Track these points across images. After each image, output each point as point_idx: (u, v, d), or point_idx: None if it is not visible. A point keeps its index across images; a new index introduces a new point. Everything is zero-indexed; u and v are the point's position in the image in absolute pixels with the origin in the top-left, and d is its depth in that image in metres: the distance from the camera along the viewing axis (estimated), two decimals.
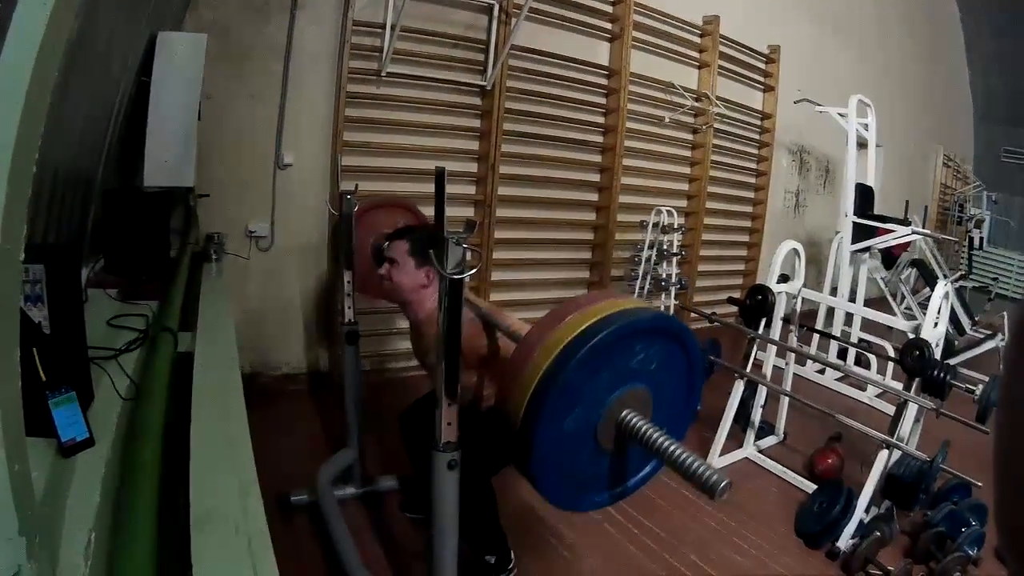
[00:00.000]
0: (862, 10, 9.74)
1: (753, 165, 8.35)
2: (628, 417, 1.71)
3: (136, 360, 2.12)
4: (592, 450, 1.76)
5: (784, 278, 4.73)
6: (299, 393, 5.07)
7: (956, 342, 7.38)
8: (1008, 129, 13.67)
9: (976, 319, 8.26)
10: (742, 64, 7.79)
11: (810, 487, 4.15)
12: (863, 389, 5.98)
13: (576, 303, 1.73)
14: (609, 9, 6.28)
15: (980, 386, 3.65)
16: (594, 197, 6.56)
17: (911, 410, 3.87)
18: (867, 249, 6.39)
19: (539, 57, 5.86)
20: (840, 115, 6.47)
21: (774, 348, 4.70)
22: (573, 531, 3.63)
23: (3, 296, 0.97)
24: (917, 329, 4.29)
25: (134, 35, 3.25)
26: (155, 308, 2.69)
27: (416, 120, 5.31)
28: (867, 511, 3.76)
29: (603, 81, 6.39)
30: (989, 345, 7.66)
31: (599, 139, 6.47)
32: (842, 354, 6.53)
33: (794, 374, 5.02)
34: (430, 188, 2.04)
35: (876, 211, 6.69)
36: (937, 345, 4.04)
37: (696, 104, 7.07)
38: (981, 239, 11.31)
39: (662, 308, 5.59)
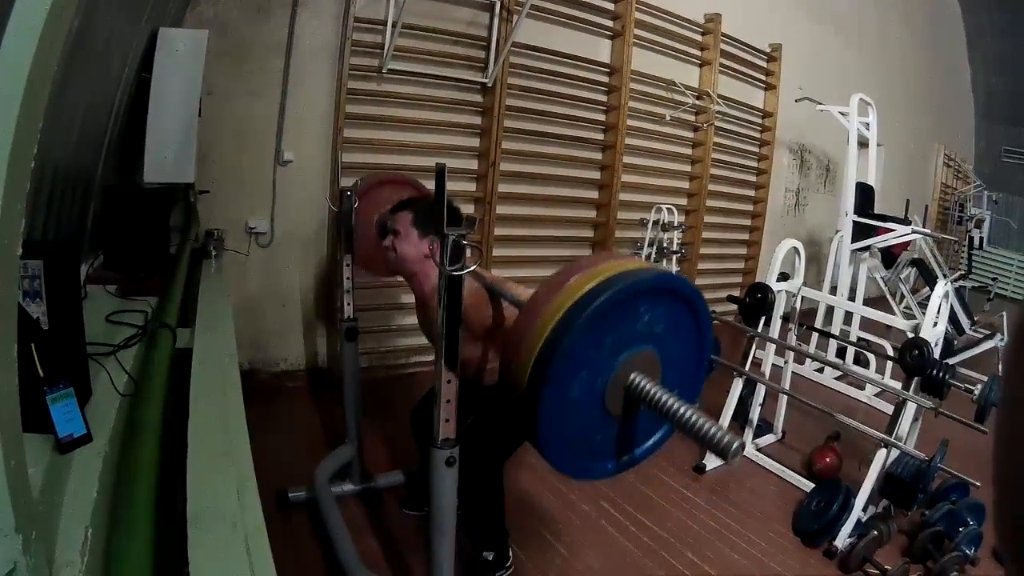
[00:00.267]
0: (864, 9, 9.74)
1: (754, 163, 8.34)
2: (636, 380, 1.68)
3: (134, 356, 2.12)
4: (600, 415, 1.74)
5: (784, 276, 4.73)
6: (298, 389, 5.08)
7: (955, 342, 7.38)
8: (1009, 129, 13.66)
9: (975, 319, 8.27)
10: (743, 62, 7.79)
11: (808, 486, 4.16)
12: (862, 388, 5.99)
13: (578, 265, 1.69)
14: (611, 7, 6.27)
15: (979, 386, 3.65)
16: (594, 195, 6.55)
17: (910, 409, 3.88)
18: (867, 248, 6.39)
19: (540, 54, 5.85)
20: (841, 114, 6.47)
21: (773, 346, 4.70)
22: (570, 529, 3.64)
23: (1, 292, 0.97)
24: (916, 328, 4.29)
25: (134, 31, 3.25)
26: (154, 304, 2.68)
27: (417, 117, 5.31)
28: (865, 510, 3.76)
29: (604, 79, 6.38)
30: (988, 345, 7.66)
31: (600, 137, 6.47)
32: (841, 353, 6.53)
33: (793, 372, 5.02)
34: (430, 184, 2.05)
35: (876, 210, 6.69)
36: (936, 344, 4.04)
37: (697, 102, 7.07)
38: (981, 239, 11.31)
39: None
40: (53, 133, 2.44)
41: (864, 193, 6.52)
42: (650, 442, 1.95)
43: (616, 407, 1.73)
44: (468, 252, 1.94)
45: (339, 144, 4.90)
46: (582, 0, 6.06)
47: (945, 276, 7.34)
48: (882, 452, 3.78)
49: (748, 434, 4.67)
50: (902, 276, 7.55)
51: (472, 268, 1.98)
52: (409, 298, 5.33)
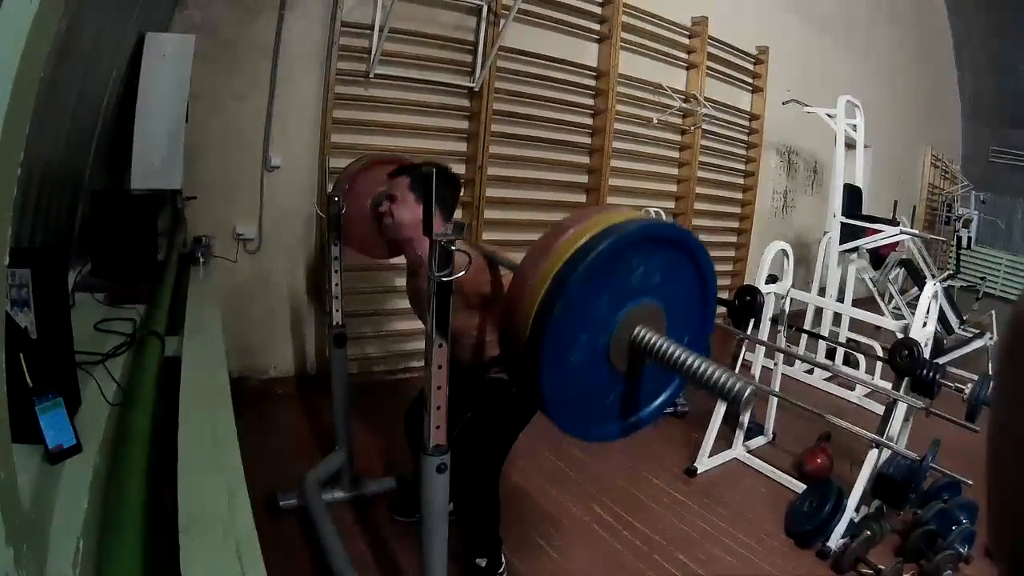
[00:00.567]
0: (851, 11, 9.77)
1: (741, 166, 8.36)
2: (641, 334, 1.65)
3: (123, 364, 2.11)
4: (606, 376, 1.71)
5: (772, 279, 4.74)
6: (287, 396, 5.06)
7: (945, 341, 7.40)
8: (996, 129, 13.73)
9: (964, 318, 8.29)
10: (730, 65, 7.80)
11: (800, 487, 4.16)
12: (852, 389, 6.00)
13: (561, 227, 1.66)
14: (597, 10, 6.28)
15: (969, 385, 3.65)
16: (582, 198, 6.54)
17: (900, 409, 3.88)
18: (855, 249, 6.42)
19: (527, 58, 5.85)
20: (828, 116, 6.50)
21: (763, 348, 4.71)
22: (561, 532, 3.63)
23: None
24: (906, 329, 4.30)
25: (122, 35, 3.24)
26: (142, 312, 2.67)
27: (404, 122, 5.30)
28: (857, 510, 3.77)
29: (591, 82, 6.38)
30: (977, 344, 7.69)
31: (587, 140, 6.46)
32: (831, 354, 6.55)
33: (783, 374, 5.03)
34: None
35: (864, 211, 6.72)
36: (926, 345, 4.05)
37: (684, 105, 7.07)
38: (969, 239, 11.35)
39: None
40: (40, 138, 2.42)
41: (852, 194, 6.54)
42: (656, 403, 1.89)
43: (622, 364, 1.70)
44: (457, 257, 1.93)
45: (327, 149, 4.88)
46: (569, 4, 6.06)
47: (934, 276, 7.38)
48: (873, 452, 3.79)
49: (739, 436, 4.68)
50: (891, 277, 7.57)
51: (461, 272, 1.96)
52: (397, 304, 5.35)
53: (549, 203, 6.26)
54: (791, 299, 4.78)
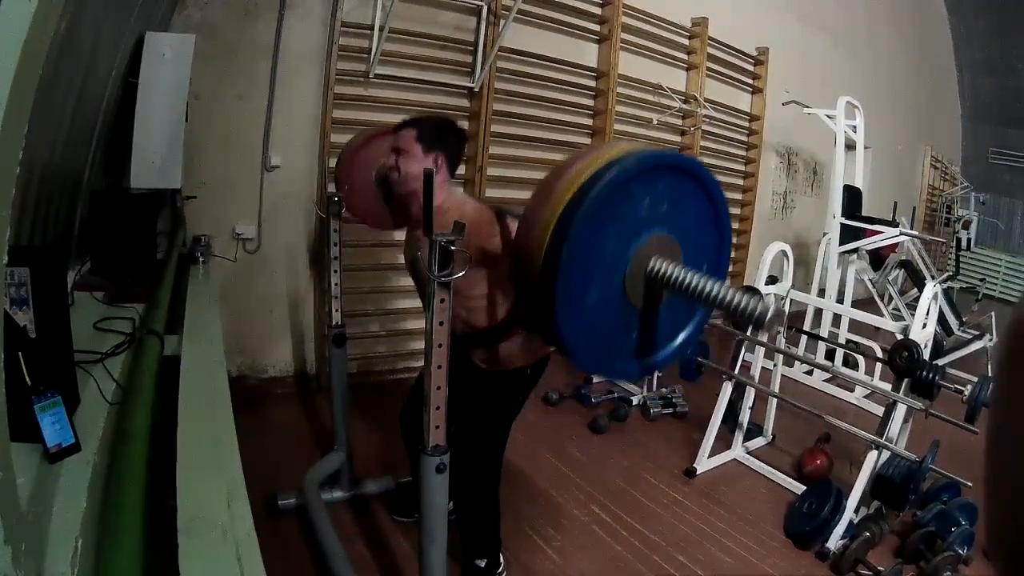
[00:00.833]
0: (851, 12, 9.77)
1: (741, 167, 8.35)
2: (656, 265, 1.63)
3: (122, 364, 2.10)
4: (623, 313, 1.69)
5: (772, 280, 4.75)
6: (286, 396, 5.06)
7: (944, 343, 7.40)
8: (996, 130, 13.73)
9: (964, 320, 8.30)
10: (731, 66, 7.80)
11: (799, 488, 4.16)
12: (851, 390, 6.01)
13: (560, 170, 1.67)
14: (598, 11, 6.27)
15: (969, 386, 3.65)
16: None
17: (900, 410, 3.88)
18: (855, 250, 6.41)
19: (527, 59, 5.84)
20: (828, 117, 6.50)
21: (762, 349, 4.71)
22: (561, 533, 3.63)
23: None
24: (905, 330, 4.30)
25: (121, 35, 3.24)
26: (141, 311, 2.67)
27: None
28: (856, 511, 3.77)
29: (591, 83, 6.38)
30: (977, 346, 7.69)
31: (587, 141, 6.45)
32: (830, 355, 6.54)
33: (782, 375, 5.03)
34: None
35: (864, 212, 6.71)
36: (925, 346, 4.04)
37: (684, 106, 7.07)
38: (969, 240, 11.33)
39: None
40: (39, 138, 2.42)
41: (851, 195, 6.54)
42: (675, 344, 1.88)
43: (639, 300, 1.69)
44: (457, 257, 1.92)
45: (326, 149, 4.87)
46: (569, 4, 6.05)
47: (933, 277, 7.39)
48: (873, 453, 3.79)
49: (738, 437, 4.68)
50: (890, 278, 7.58)
51: (461, 272, 1.95)
52: (397, 304, 5.35)
53: None
54: (791, 300, 4.78)
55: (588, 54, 6.34)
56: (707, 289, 1.55)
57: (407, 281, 5.19)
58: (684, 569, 3.45)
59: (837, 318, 6.40)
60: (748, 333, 4.36)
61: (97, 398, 1.78)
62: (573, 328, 1.60)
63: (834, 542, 3.62)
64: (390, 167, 2.78)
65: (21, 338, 1.50)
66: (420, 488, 2.14)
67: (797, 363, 6.05)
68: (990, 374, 4.20)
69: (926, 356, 3.90)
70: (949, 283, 9.02)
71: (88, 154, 3.24)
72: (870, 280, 7.13)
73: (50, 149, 2.59)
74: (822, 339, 5.79)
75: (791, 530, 3.81)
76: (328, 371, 3.94)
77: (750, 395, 4.63)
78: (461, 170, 5.60)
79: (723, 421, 4.53)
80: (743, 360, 4.59)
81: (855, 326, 6.32)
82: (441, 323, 1.94)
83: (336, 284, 3.50)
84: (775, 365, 4.92)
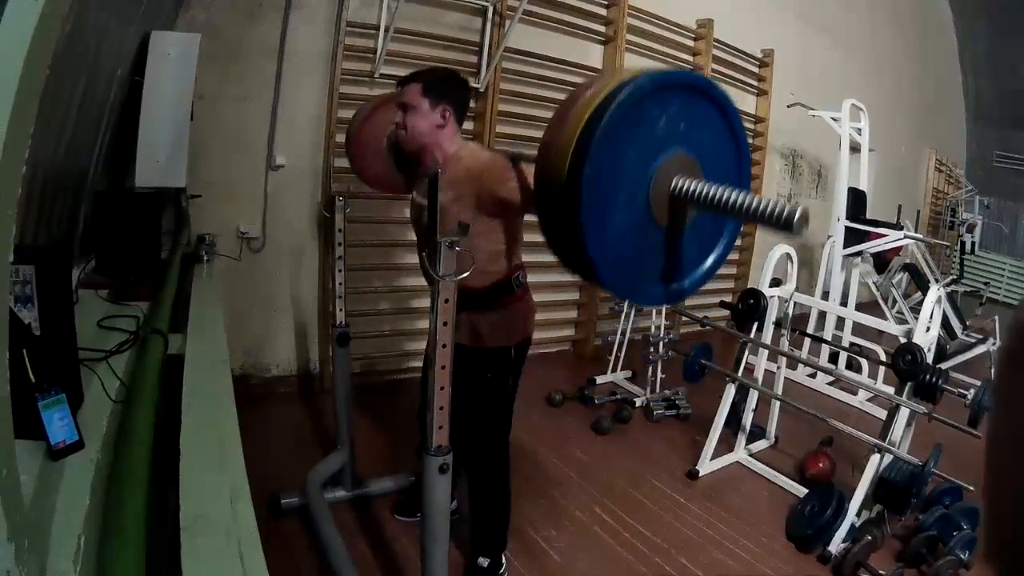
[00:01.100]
0: (855, 14, 9.76)
1: None
2: (680, 182, 1.62)
3: (126, 362, 2.11)
4: (650, 233, 1.69)
5: (776, 282, 4.74)
6: (289, 395, 5.06)
7: (948, 346, 7.39)
8: (1000, 132, 13.70)
9: (967, 323, 8.29)
10: (735, 68, 7.78)
11: (801, 491, 4.16)
12: (854, 393, 6.00)
13: (575, 95, 1.65)
14: (603, 12, 6.27)
15: (972, 390, 3.66)
16: None
17: (903, 414, 3.88)
18: (859, 253, 6.41)
19: (532, 60, 5.84)
20: (833, 119, 6.49)
21: (766, 352, 4.70)
22: (562, 534, 3.63)
23: None
24: (909, 333, 4.30)
25: (126, 35, 3.24)
26: (146, 309, 2.68)
27: None
28: (858, 515, 3.77)
29: None
30: (981, 349, 7.68)
31: None
32: (834, 358, 6.53)
33: (785, 378, 5.03)
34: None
35: (868, 215, 6.71)
36: (929, 349, 4.04)
37: None
38: (973, 243, 11.31)
39: (654, 311, 5.60)
40: (44, 137, 2.43)
41: (856, 198, 6.54)
42: (703, 268, 1.87)
43: (664, 219, 1.68)
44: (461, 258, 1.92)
45: (331, 149, 4.88)
46: (574, 5, 6.05)
47: (937, 281, 7.38)
48: (875, 457, 3.78)
49: (741, 439, 4.67)
50: (894, 281, 7.57)
51: (465, 273, 1.95)
52: (401, 304, 5.36)
53: None
54: (795, 303, 4.78)
55: (593, 55, 6.34)
56: (731, 198, 1.54)
57: (411, 281, 5.23)
58: (685, 571, 3.44)
59: (841, 321, 6.40)
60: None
61: (101, 396, 1.79)
62: (601, 249, 1.59)
63: (836, 545, 3.62)
64: (398, 124, 2.77)
65: (26, 336, 1.51)
66: (422, 488, 2.14)
67: (800, 366, 6.05)
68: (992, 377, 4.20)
69: (929, 360, 3.90)
70: (953, 286, 9.01)
71: (93, 153, 3.25)
72: (874, 283, 7.13)
73: (55, 148, 2.60)
74: (825, 342, 5.79)
75: (793, 533, 3.81)
76: (331, 370, 3.94)
77: (753, 397, 4.62)
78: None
79: (726, 423, 4.53)
80: (746, 362, 4.58)
81: (859, 329, 6.31)
82: (445, 323, 1.95)
83: (340, 284, 3.50)
84: (778, 368, 4.92)
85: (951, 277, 9.61)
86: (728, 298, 6.41)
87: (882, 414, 4.23)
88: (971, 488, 3.54)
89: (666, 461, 4.57)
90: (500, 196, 2.53)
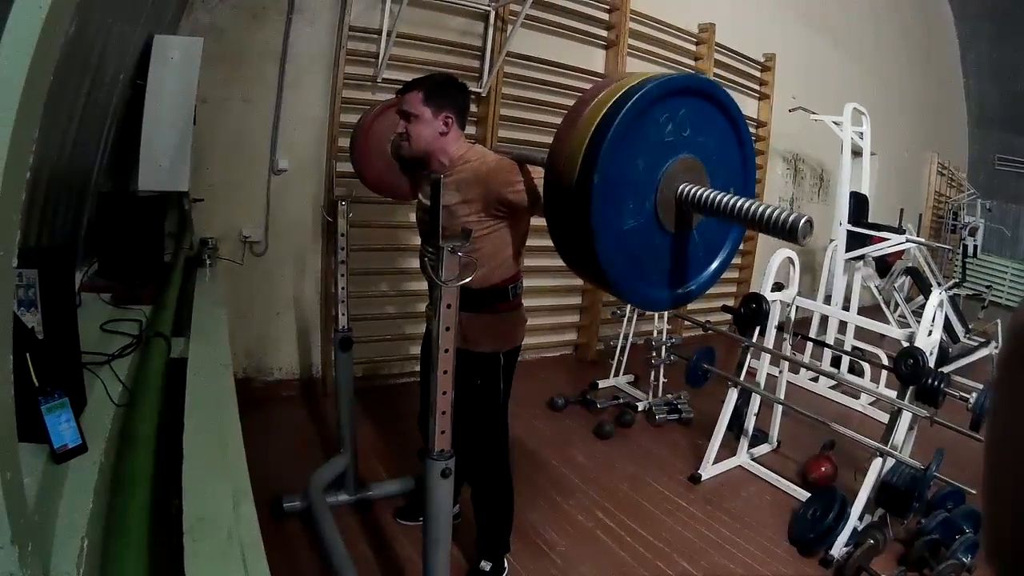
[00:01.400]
0: (857, 18, 9.76)
1: None
2: (686, 189, 1.63)
3: (129, 365, 2.11)
4: (656, 237, 1.69)
5: (778, 286, 4.74)
6: (292, 399, 5.06)
7: (950, 350, 7.38)
8: (1002, 136, 13.71)
9: (970, 327, 8.28)
10: (737, 72, 7.79)
11: (803, 495, 4.16)
12: (857, 397, 6.00)
13: (585, 100, 1.66)
14: (605, 16, 6.27)
15: (974, 394, 3.66)
16: None
17: (905, 418, 3.88)
18: (861, 257, 6.40)
19: (535, 64, 5.85)
20: (835, 123, 6.49)
21: (768, 356, 4.70)
22: (564, 538, 3.63)
23: None
24: (911, 337, 4.30)
25: (129, 38, 3.24)
26: (148, 313, 2.67)
27: None
28: (861, 519, 3.77)
29: None
30: (983, 353, 7.67)
31: None
32: (836, 362, 6.52)
33: (788, 382, 5.02)
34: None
35: (870, 219, 6.72)
36: (931, 353, 4.04)
37: None
38: (975, 247, 11.31)
39: (657, 315, 5.60)
40: (47, 140, 2.43)
41: (858, 202, 6.55)
42: (708, 272, 1.87)
43: (671, 225, 1.69)
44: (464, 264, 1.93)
45: (333, 153, 4.88)
46: (577, 10, 6.06)
47: (940, 285, 7.38)
48: (878, 461, 3.78)
49: (743, 443, 4.67)
50: (896, 285, 7.56)
51: (467, 279, 1.96)
52: (404, 308, 5.36)
53: None
54: (797, 307, 4.78)
55: (596, 59, 6.35)
56: (736, 205, 1.55)
57: (413, 285, 5.23)
58: (687, 575, 3.44)
59: (843, 325, 6.39)
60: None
61: (104, 399, 1.79)
62: (610, 253, 1.60)
63: (838, 549, 3.62)
64: (400, 134, 2.77)
65: (29, 339, 1.51)
66: (425, 491, 2.14)
67: (803, 370, 6.05)
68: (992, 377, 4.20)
69: (931, 363, 3.89)
70: (955, 290, 9.00)
71: (96, 156, 3.26)
72: (876, 287, 7.13)
73: (58, 151, 2.61)
74: (828, 346, 5.78)
75: (795, 537, 3.81)
76: (334, 374, 3.94)
77: (755, 402, 4.62)
78: None
79: (728, 427, 4.53)
80: (748, 366, 4.58)
81: (861, 333, 6.30)
82: (448, 328, 1.95)
83: (343, 288, 3.50)
84: (780, 372, 4.92)
85: (953, 281, 9.60)
86: (730, 302, 6.40)
87: (884, 418, 4.23)
88: (973, 492, 3.54)
89: (668, 465, 4.57)
90: (507, 198, 2.54)
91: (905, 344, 4.13)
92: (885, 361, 5.36)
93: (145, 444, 1.56)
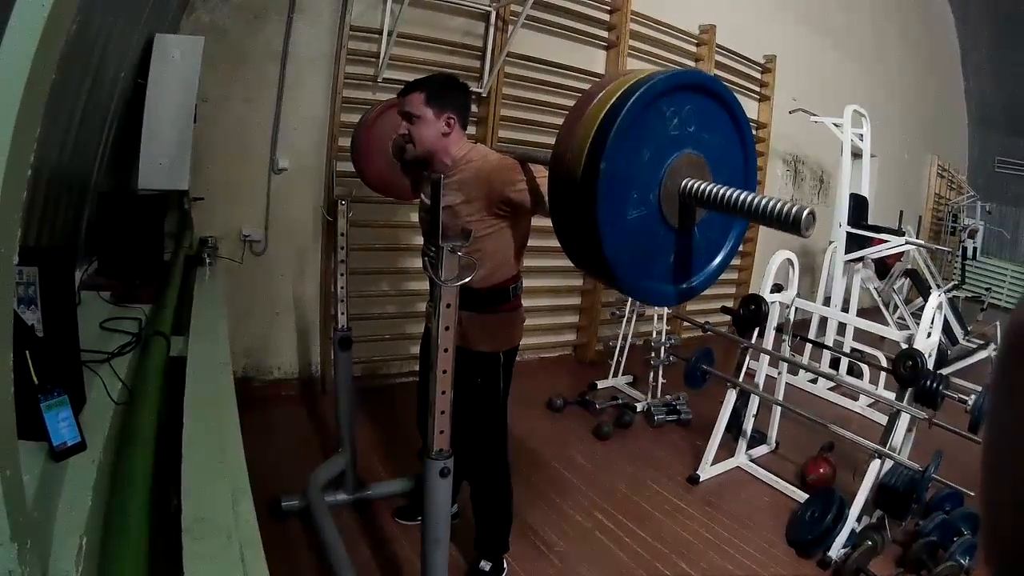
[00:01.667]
0: (858, 20, 9.76)
1: None
2: (690, 184, 1.63)
3: (129, 364, 2.11)
4: (660, 232, 1.69)
5: (777, 288, 4.74)
6: (291, 398, 5.06)
7: (949, 352, 7.39)
8: (1002, 138, 13.71)
9: (969, 329, 8.29)
10: (738, 73, 7.78)
11: (802, 496, 4.16)
12: (855, 399, 6.00)
13: (591, 92, 1.65)
14: (606, 17, 6.27)
15: (973, 396, 3.66)
16: None
17: (903, 420, 3.88)
18: (861, 259, 6.40)
19: (535, 64, 5.85)
20: (835, 125, 6.49)
21: (767, 357, 4.71)
22: (563, 539, 3.63)
23: None
24: (910, 339, 4.30)
25: (130, 37, 3.24)
26: (148, 312, 2.68)
27: None
28: (859, 520, 3.77)
29: None
30: (982, 355, 7.68)
31: None
32: (835, 364, 6.53)
33: (786, 383, 5.03)
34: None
35: (870, 221, 6.71)
36: (930, 355, 4.04)
37: None
38: (975, 249, 11.30)
39: (656, 316, 5.60)
40: (48, 139, 2.43)
41: (858, 204, 6.54)
42: (711, 267, 1.87)
43: (674, 220, 1.69)
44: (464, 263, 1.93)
45: (334, 153, 4.89)
46: (577, 11, 6.06)
47: (939, 287, 7.38)
48: (876, 463, 3.78)
49: (742, 445, 4.67)
50: (896, 287, 7.57)
51: (467, 278, 1.96)
52: (403, 308, 5.36)
53: None
54: (796, 308, 4.78)
55: (596, 60, 6.35)
56: (740, 199, 1.55)
57: (413, 285, 5.23)
58: None
59: (842, 327, 6.39)
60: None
61: (103, 398, 1.79)
62: (615, 247, 1.59)
63: (836, 551, 3.62)
64: (404, 136, 2.78)
65: (29, 337, 1.51)
66: (424, 491, 2.14)
67: (801, 371, 6.05)
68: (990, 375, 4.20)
69: (930, 366, 3.90)
70: (954, 292, 9.01)
71: (96, 155, 3.26)
72: (875, 289, 7.13)
73: (59, 150, 2.61)
74: (827, 348, 5.79)
75: (793, 538, 3.81)
76: (333, 374, 3.94)
77: (754, 403, 4.63)
78: None
79: (727, 429, 4.54)
80: (747, 368, 4.59)
81: (860, 335, 6.31)
82: (447, 328, 1.95)
83: (342, 287, 3.50)
84: (779, 373, 4.93)
85: (952, 283, 9.61)
86: (729, 303, 6.38)
87: (883, 420, 4.24)
88: (971, 494, 3.55)
89: (667, 466, 4.57)
90: (510, 197, 2.55)
91: (904, 346, 4.14)
92: (884, 363, 5.37)
93: (144, 443, 1.56)
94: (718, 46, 7.26)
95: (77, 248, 3.21)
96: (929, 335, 4.23)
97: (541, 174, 2.46)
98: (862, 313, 6.25)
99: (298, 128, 4.86)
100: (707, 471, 4.44)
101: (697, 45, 7.21)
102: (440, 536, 2.21)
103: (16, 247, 0.98)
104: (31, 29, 0.92)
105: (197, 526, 1.28)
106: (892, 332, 5.07)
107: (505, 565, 3.20)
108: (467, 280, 1.97)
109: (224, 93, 4.51)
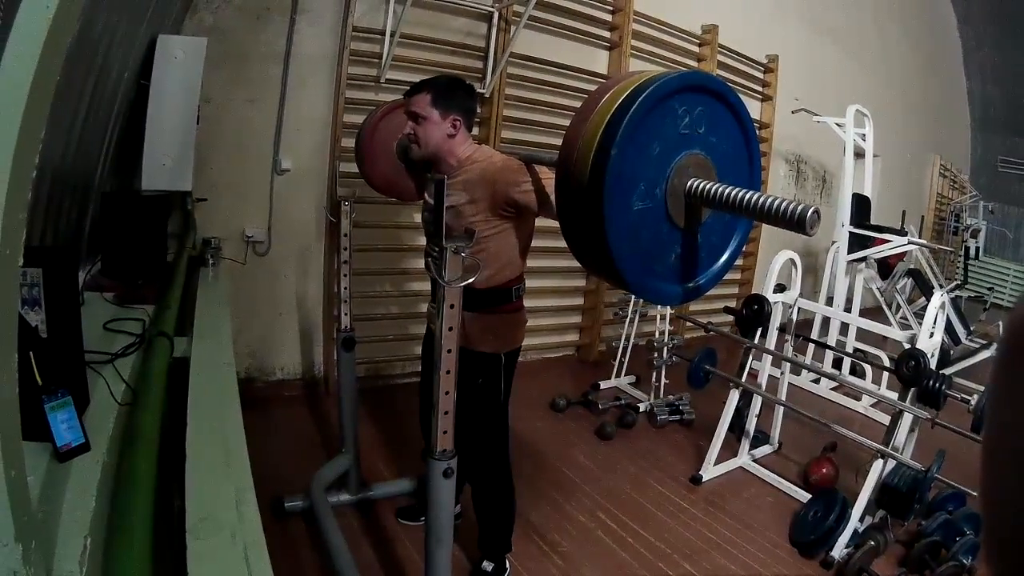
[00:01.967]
0: (861, 20, 9.75)
1: None
2: (696, 184, 1.64)
3: (132, 364, 2.11)
4: (666, 230, 1.70)
5: (780, 288, 4.74)
6: (294, 398, 5.07)
7: (951, 352, 7.38)
8: (1005, 138, 13.68)
9: (971, 329, 8.27)
10: (740, 73, 7.78)
11: (804, 496, 4.16)
12: (858, 399, 6.00)
13: (603, 88, 1.65)
14: (608, 18, 6.27)
15: (975, 396, 3.65)
16: None
17: (906, 420, 3.88)
18: (863, 259, 6.40)
19: (538, 65, 5.85)
20: (838, 125, 6.48)
21: (770, 357, 4.70)
22: (566, 539, 3.63)
23: (1, 300, 0.97)
24: (913, 339, 4.30)
25: (134, 38, 3.25)
26: (151, 312, 2.68)
27: None
28: (861, 520, 3.77)
29: None
30: (985, 355, 7.66)
31: None
32: (837, 364, 6.52)
33: (789, 383, 5.02)
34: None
35: (872, 221, 6.71)
36: (932, 355, 4.04)
37: None
38: (977, 249, 11.29)
39: (659, 316, 5.60)
40: (52, 140, 2.43)
41: (860, 204, 6.53)
42: (716, 267, 1.88)
43: (680, 219, 1.69)
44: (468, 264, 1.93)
45: (337, 153, 4.89)
46: (580, 11, 6.06)
47: (941, 286, 7.37)
48: (879, 463, 3.78)
49: (745, 445, 4.67)
50: (898, 287, 7.56)
51: (471, 278, 1.96)
52: (406, 308, 5.36)
53: None
54: (799, 308, 4.78)
55: (599, 60, 6.34)
56: (745, 198, 1.56)
57: (416, 285, 5.24)
58: None
59: (845, 327, 6.39)
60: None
61: (107, 398, 1.79)
62: (621, 244, 1.60)
63: (839, 551, 3.62)
64: (409, 136, 2.78)
65: (33, 338, 1.51)
66: (427, 491, 2.14)
67: (804, 371, 6.05)
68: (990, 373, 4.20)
69: (933, 365, 3.89)
70: (957, 292, 9.00)
71: (100, 156, 3.26)
72: (878, 289, 7.12)
73: (62, 150, 2.61)
74: (829, 348, 5.78)
75: (796, 538, 3.81)
76: (336, 374, 3.95)
77: (757, 403, 4.63)
78: None
79: (729, 429, 4.53)
80: (750, 368, 4.59)
81: (862, 335, 6.30)
82: (451, 328, 1.95)
83: (345, 288, 3.50)
84: (782, 373, 4.92)
85: (955, 282, 9.60)
86: (732, 304, 6.39)
87: (885, 420, 4.22)
88: (974, 494, 3.54)
89: (670, 466, 4.57)
90: (514, 198, 2.54)
91: (907, 346, 4.14)
92: (886, 363, 5.37)
93: (148, 443, 1.56)
94: (720, 46, 7.26)
95: (81, 249, 3.21)
96: (932, 335, 4.23)
97: (546, 176, 2.46)
98: (865, 313, 6.24)
99: (301, 129, 4.87)
100: (710, 471, 4.44)
101: (699, 45, 7.21)
102: (443, 536, 2.21)
103: (21, 248, 0.99)
104: (35, 31, 0.92)
105: (201, 526, 1.28)
106: (895, 332, 5.06)
107: (508, 565, 3.20)
108: (470, 281, 1.97)
109: (227, 94, 4.52)
